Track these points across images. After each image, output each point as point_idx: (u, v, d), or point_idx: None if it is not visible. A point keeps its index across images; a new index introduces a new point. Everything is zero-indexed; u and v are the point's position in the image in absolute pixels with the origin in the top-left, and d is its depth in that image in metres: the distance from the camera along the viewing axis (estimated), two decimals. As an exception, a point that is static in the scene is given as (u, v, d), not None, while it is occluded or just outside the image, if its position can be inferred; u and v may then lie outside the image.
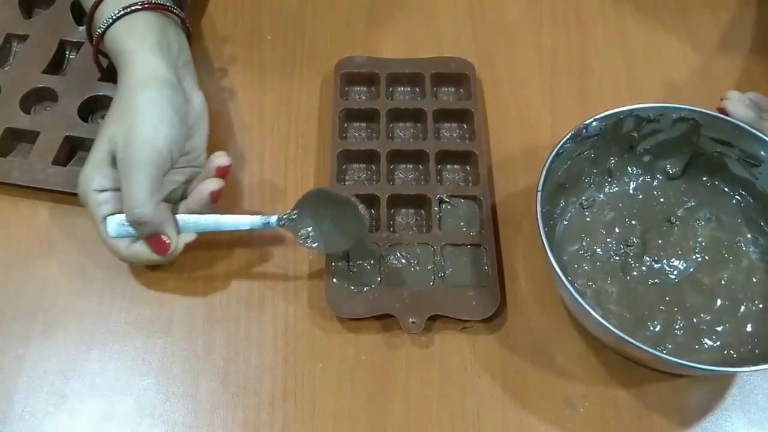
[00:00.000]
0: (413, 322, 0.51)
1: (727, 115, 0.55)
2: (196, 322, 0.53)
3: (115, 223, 0.50)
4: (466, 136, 0.61)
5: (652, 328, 0.50)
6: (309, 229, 0.52)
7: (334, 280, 0.53)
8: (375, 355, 0.51)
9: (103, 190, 0.50)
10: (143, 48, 0.52)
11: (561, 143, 0.51)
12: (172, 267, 0.55)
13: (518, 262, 0.55)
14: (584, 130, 0.52)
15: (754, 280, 0.53)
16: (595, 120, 0.52)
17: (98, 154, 0.50)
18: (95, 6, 0.54)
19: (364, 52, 0.66)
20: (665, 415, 0.50)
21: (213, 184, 0.51)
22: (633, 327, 0.50)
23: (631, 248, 0.54)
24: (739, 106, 0.56)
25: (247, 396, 0.50)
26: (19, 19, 0.66)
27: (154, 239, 0.50)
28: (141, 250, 0.51)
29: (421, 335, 0.52)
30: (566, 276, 0.46)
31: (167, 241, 0.50)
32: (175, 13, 0.56)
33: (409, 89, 0.64)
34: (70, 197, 0.57)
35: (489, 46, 0.68)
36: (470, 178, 0.59)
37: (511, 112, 0.64)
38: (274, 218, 0.51)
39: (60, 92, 0.61)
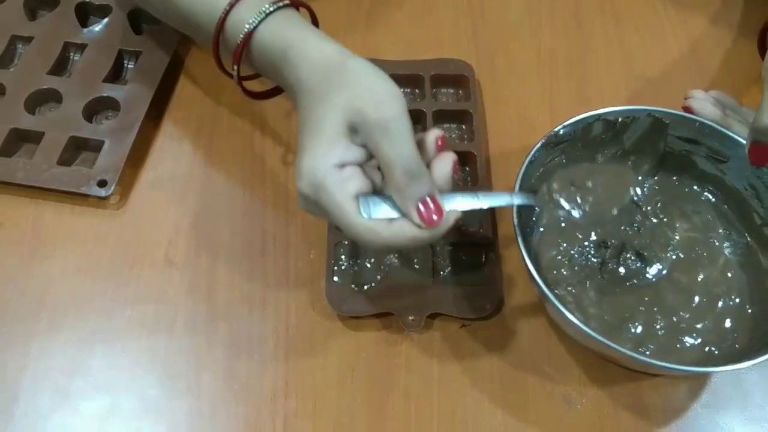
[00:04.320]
0: (413, 320, 0.51)
1: (692, 113, 0.55)
2: (198, 320, 0.53)
3: (372, 201, 0.43)
4: (465, 136, 0.62)
5: (633, 330, 0.51)
6: (569, 199, 0.49)
7: (335, 278, 0.53)
8: (375, 353, 0.52)
9: (343, 166, 0.44)
10: (314, 35, 0.48)
11: (532, 152, 0.51)
12: (175, 264, 0.55)
13: (517, 260, 0.55)
14: (554, 138, 0.52)
15: (729, 275, 0.53)
16: (563, 127, 0.53)
17: (329, 128, 0.44)
18: (228, 11, 0.50)
19: (364, 53, 0.64)
20: (663, 413, 0.50)
21: (451, 156, 0.45)
22: (614, 330, 0.50)
23: (608, 250, 0.54)
24: (704, 105, 0.56)
25: (249, 393, 0.50)
26: (23, 21, 0.66)
27: (425, 205, 0.43)
28: (403, 227, 0.43)
29: (421, 333, 0.52)
30: (546, 284, 0.46)
31: (440, 203, 0.43)
32: (308, 8, 0.54)
33: (408, 90, 0.65)
34: (74, 197, 0.57)
35: (488, 47, 0.68)
36: (469, 178, 0.60)
37: (510, 113, 0.64)
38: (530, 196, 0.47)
39: (64, 93, 0.61)
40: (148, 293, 0.54)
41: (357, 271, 0.54)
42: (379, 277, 0.53)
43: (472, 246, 0.55)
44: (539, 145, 0.52)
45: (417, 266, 0.54)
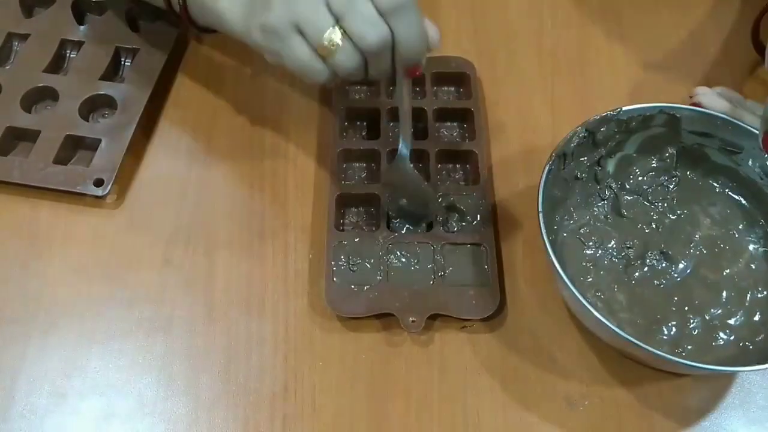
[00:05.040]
0: (413, 321, 0.51)
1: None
2: (196, 321, 0.53)
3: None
4: (467, 135, 0.61)
5: (667, 332, 0.50)
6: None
7: (335, 279, 0.53)
8: (375, 354, 0.51)
9: None
10: None
11: (548, 166, 0.50)
12: (173, 264, 0.55)
13: (518, 261, 0.55)
14: (569, 145, 0.52)
15: (753, 267, 0.53)
16: (576, 135, 0.52)
17: None
18: None
19: (365, 51, 0.66)
20: (665, 414, 0.50)
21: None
22: (648, 332, 0.50)
23: (631, 250, 0.53)
24: (712, 98, 0.56)
25: (248, 394, 0.50)
26: (19, 18, 0.65)
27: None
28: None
29: (421, 334, 0.52)
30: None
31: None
32: None
33: (409, 88, 0.64)
34: (71, 196, 0.57)
35: (490, 45, 0.68)
36: (470, 177, 0.59)
37: (512, 112, 0.64)
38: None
39: (61, 91, 0.61)
40: (146, 293, 0.54)
41: (357, 272, 0.53)
42: (379, 277, 0.53)
43: (473, 246, 0.55)
44: (554, 158, 0.51)
45: (417, 267, 0.54)
